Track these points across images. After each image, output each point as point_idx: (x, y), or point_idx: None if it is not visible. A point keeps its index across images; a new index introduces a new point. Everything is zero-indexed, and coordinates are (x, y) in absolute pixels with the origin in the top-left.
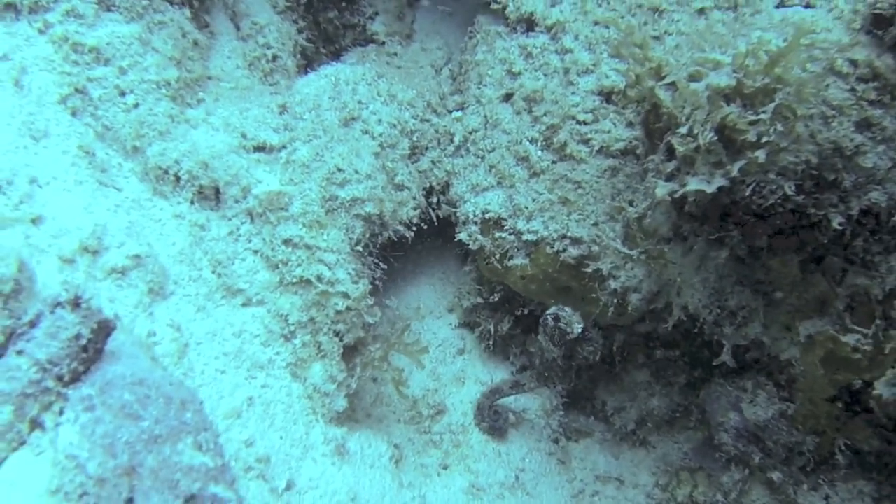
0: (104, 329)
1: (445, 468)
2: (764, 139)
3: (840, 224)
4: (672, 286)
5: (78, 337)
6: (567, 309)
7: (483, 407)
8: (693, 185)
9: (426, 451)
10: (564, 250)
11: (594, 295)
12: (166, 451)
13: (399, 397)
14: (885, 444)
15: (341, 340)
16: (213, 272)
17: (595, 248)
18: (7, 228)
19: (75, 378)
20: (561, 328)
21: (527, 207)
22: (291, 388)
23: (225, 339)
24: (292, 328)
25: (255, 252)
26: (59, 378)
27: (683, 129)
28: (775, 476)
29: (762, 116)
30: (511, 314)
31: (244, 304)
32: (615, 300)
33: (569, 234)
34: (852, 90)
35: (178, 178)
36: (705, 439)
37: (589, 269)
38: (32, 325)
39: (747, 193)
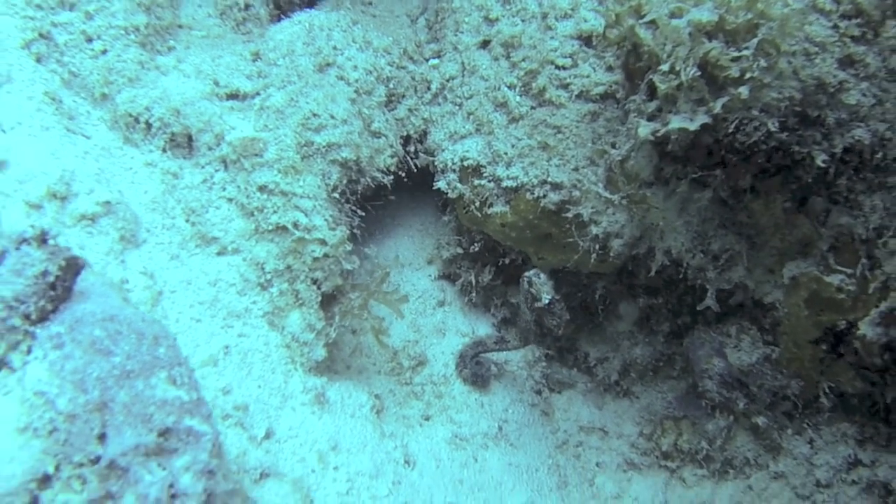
0: (73, 267)
1: (427, 419)
2: (747, 75)
3: (824, 162)
4: (654, 230)
5: (45, 274)
6: (542, 276)
7: (466, 356)
8: (676, 123)
9: (407, 402)
10: (545, 196)
11: (575, 241)
12: (139, 386)
13: (380, 347)
14: (869, 386)
15: (319, 289)
16: (187, 221)
17: (576, 194)
18: None
19: (43, 317)
20: (532, 293)
21: (506, 153)
22: (269, 338)
23: (200, 287)
24: (269, 276)
25: (230, 200)
26: (27, 316)
27: (665, 67)
28: (760, 421)
29: (745, 52)
30: (492, 264)
31: (219, 253)
32: (597, 246)
33: (549, 179)
34: (835, 27)
35: (149, 126)
36: (689, 388)
37: (570, 215)
38: None
39: (730, 131)
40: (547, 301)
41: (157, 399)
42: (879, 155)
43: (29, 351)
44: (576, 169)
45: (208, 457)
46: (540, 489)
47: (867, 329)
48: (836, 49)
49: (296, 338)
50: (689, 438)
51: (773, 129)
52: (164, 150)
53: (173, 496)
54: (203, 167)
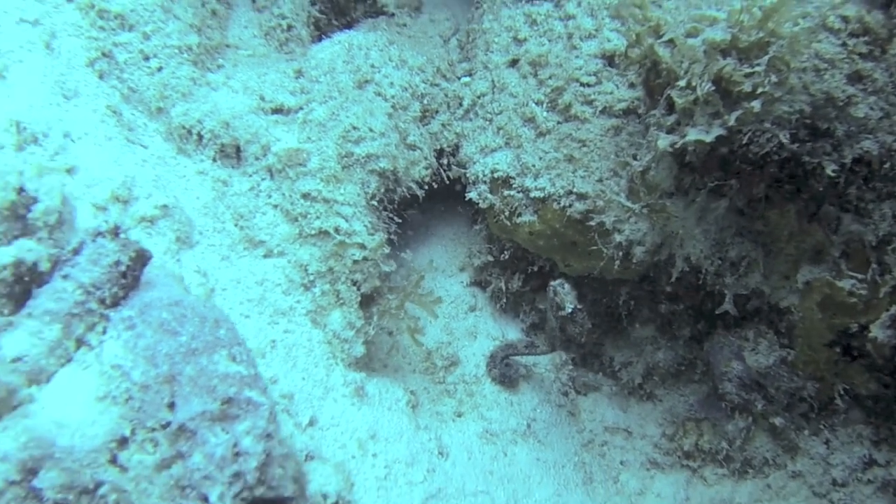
0: (141, 258)
1: (460, 415)
2: (759, 90)
3: (834, 171)
4: (675, 238)
5: (118, 263)
6: (566, 286)
7: (496, 357)
8: (692, 135)
9: (441, 399)
10: (570, 206)
11: (600, 248)
12: (203, 362)
13: (415, 346)
14: (882, 388)
15: (359, 289)
16: (236, 225)
17: (600, 203)
18: (45, 176)
19: (116, 302)
20: (557, 303)
21: (534, 166)
22: (312, 334)
23: (248, 286)
24: (312, 278)
25: (275, 206)
26: (102, 301)
27: (682, 83)
28: (777, 421)
29: (757, 69)
30: (521, 272)
31: (266, 256)
32: (620, 253)
33: (574, 190)
34: (843, 45)
35: (200, 137)
36: (710, 391)
37: (594, 224)
38: (76, 252)
39: (744, 142)
40: (570, 310)
41: (219, 373)
42: (887, 165)
43: (104, 331)
44: (600, 180)
45: (266, 423)
46: (566, 484)
47: (878, 332)
48: (845, 65)
49: (337, 335)
50: (710, 439)
51: (784, 140)
52: (214, 160)
53: (237, 454)
54: (250, 176)
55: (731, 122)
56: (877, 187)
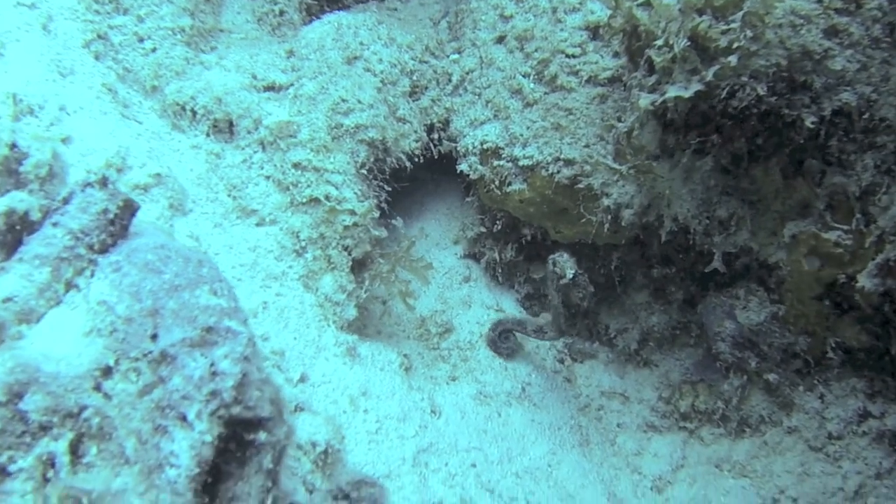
0: (129, 207)
1: (454, 379)
2: (735, 45)
3: (813, 123)
4: (662, 199)
5: (106, 211)
6: (564, 255)
7: (498, 328)
8: (672, 92)
9: (435, 364)
10: (559, 172)
11: (589, 214)
12: (185, 296)
13: (407, 310)
14: (874, 340)
15: (350, 254)
16: (229, 195)
17: (587, 168)
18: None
19: (104, 248)
20: (557, 273)
21: (522, 135)
22: (304, 298)
23: (241, 252)
24: (303, 244)
25: (268, 177)
26: (90, 247)
27: (660, 42)
28: (771, 377)
29: (732, 25)
30: (514, 241)
31: (258, 224)
32: (609, 217)
33: (562, 156)
34: (819, 1)
35: (194, 113)
36: (705, 353)
37: (582, 187)
38: (65, 202)
39: (723, 97)
40: (571, 275)
41: (200, 305)
42: (867, 116)
43: (92, 275)
44: (586, 146)
45: (243, 348)
46: (562, 444)
47: (865, 281)
48: (821, 21)
49: (329, 298)
50: (706, 399)
51: (762, 93)
52: (207, 135)
53: (214, 374)
54: (243, 149)
55: (710, 78)
56: (857, 139)
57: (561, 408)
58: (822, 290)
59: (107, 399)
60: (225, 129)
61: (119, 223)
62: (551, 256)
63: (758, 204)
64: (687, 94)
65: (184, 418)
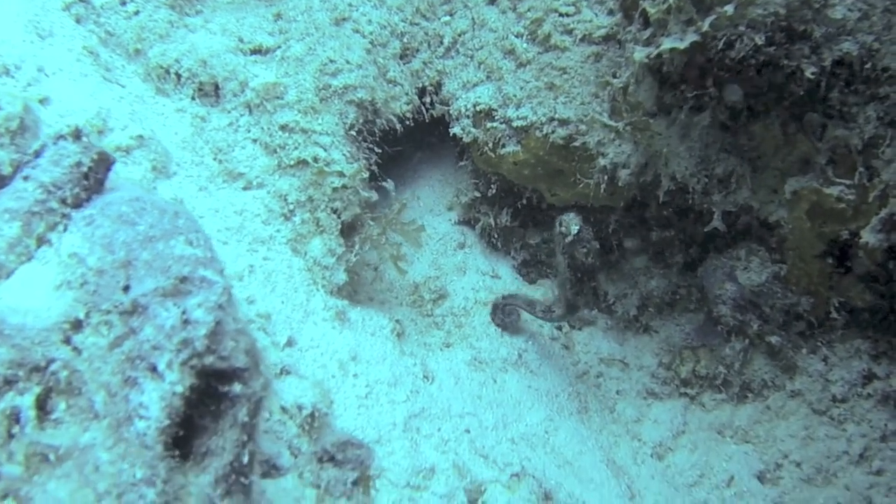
0: (104, 161)
1: (448, 346)
2: None
3: (813, 74)
4: (659, 158)
5: (79, 164)
6: (570, 214)
7: (500, 304)
8: (667, 44)
9: (429, 331)
10: (553, 132)
11: (585, 174)
12: (159, 247)
13: (399, 274)
14: (878, 299)
15: (339, 217)
16: (215, 159)
17: (582, 127)
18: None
19: (78, 203)
20: (562, 232)
21: (515, 96)
22: (292, 262)
23: (227, 215)
24: (291, 207)
25: (255, 140)
26: (63, 200)
27: None
28: (774, 339)
29: None
30: (509, 206)
31: (245, 188)
32: (605, 177)
33: (556, 116)
34: None
35: (178, 77)
36: (706, 318)
37: (577, 146)
38: (37, 154)
39: (720, 48)
40: (576, 230)
41: (175, 255)
42: (868, 66)
43: (65, 230)
44: (582, 104)
45: (218, 297)
46: (560, 411)
47: (869, 236)
48: None
49: (317, 261)
50: (707, 364)
51: (759, 42)
52: (192, 99)
53: (185, 321)
54: (229, 112)
55: (706, 28)
56: (859, 90)
57: (558, 375)
58: (824, 247)
59: (76, 353)
60: (211, 92)
61: (93, 177)
62: (559, 217)
63: (757, 161)
64: (682, 45)
65: (154, 369)
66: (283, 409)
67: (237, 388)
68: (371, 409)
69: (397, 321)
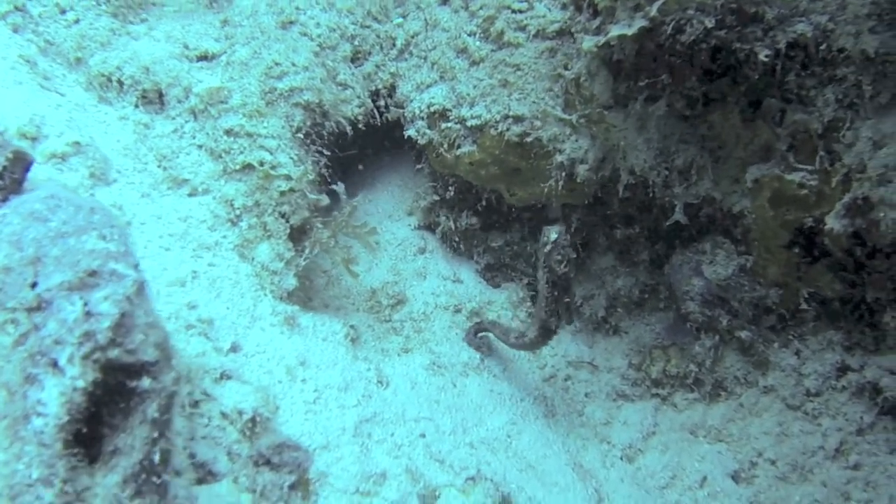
0: (21, 160)
1: (407, 351)
2: None
3: (767, 57)
4: (617, 151)
5: None
6: (556, 226)
7: (474, 330)
8: (615, 31)
9: (386, 337)
10: (508, 129)
11: (543, 172)
12: (71, 242)
13: (351, 277)
14: (848, 288)
15: (288, 221)
16: (159, 166)
17: (537, 123)
18: None
19: None
20: (543, 241)
21: (469, 95)
22: (239, 268)
23: (170, 222)
24: (238, 212)
25: (200, 146)
26: None
27: None
28: (744, 335)
29: None
30: (469, 208)
31: (190, 194)
32: (563, 174)
33: (511, 113)
34: None
35: (121, 84)
36: (676, 317)
37: (533, 143)
38: None
39: (670, 33)
40: (555, 237)
41: (86, 250)
42: (824, 47)
43: None
44: (536, 100)
45: (126, 290)
46: (524, 415)
47: (833, 222)
48: None
49: (265, 266)
50: (678, 363)
51: (710, 26)
52: (136, 106)
53: (88, 314)
54: (174, 118)
55: (654, 13)
56: (816, 72)
57: (524, 378)
58: (790, 236)
59: None
60: (155, 99)
61: (9, 176)
62: (544, 227)
63: (718, 151)
64: (630, 31)
65: (55, 364)
66: (224, 415)
67: (146, 382)
68: (319, 414)
69: (352, 326)
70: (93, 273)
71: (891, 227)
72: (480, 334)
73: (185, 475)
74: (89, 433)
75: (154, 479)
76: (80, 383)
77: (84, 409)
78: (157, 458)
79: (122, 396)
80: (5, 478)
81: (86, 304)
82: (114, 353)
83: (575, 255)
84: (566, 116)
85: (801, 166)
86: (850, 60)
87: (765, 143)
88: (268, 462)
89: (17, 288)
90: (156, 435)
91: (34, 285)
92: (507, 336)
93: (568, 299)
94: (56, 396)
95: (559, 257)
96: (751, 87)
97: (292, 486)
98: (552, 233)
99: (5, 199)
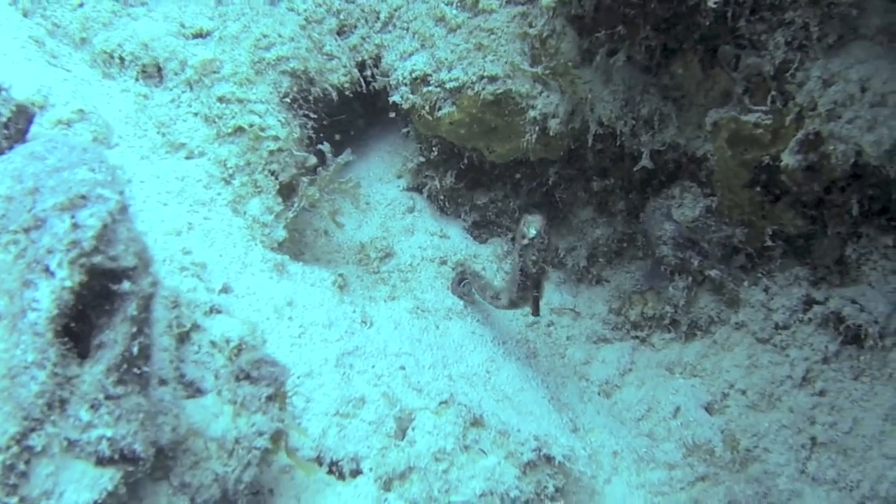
0: (24, 112)
1: (393, 299)
2: None
3: (716, 3)
4: (585, 104)
5: None
6: (538, 216)
7: (456, 279)
8: None
9: (374, 286)
10: (483, 89)
11: (518, 129)
12: (65, 175)
13: (336, 227)
14: (810, 224)
15: (277, 178)
16: (158, 132)
17: (509, 82)
18: None
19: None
20: (523, 231)
21: (447, 59)
22: (232, 221)
23: (168, 181)
24: (231, 171)
25: (195, 114)
26: None
27: None
28: (714, 273)
29: None
30: (452, 168)
31: (187, 157)
32: (537, 129)
33: (486, 73)
34: None
35: (122, 60)
36: (654, 264)
37: (507, 101)
38: None
39: None
40: (532, 235)
41: (77, 179)
42: None
43: None
44: (508, 62)
45: (109, 208)
46: (505, 355)
47: (788, 158)
48: None
49: (256, 219)
50: (654, 305)
51: None
52: (136, 80)
53: (75, 225)
54: (171, 90)
55: None
56: (765, 17)
57: (507, 325)
58: (750, 175)
59: None
60: (154, 73)
61: (13, 127)
62: (525, 214)
63: (682, 100)
64: None
65: (47, 269)
66: (213, 343)
67: (126, 285)
68: (304, 347)
69: (340, 275)
70: (82, 197)
71: (840, 160)
72: (463, 283)
73: (171, 385)
74: (79, 333)
75: (135, 369)
76: (68, 283)
77: (72, 306)
78: (135, 350)
79: (106, 300)
80: (4, 362)
81: (73, 219)
82: (97, 258)
83: (547, 263)
84: (532, 69)
85: (755, 108)
86: (797, 4)
87: (724, 90)
88: (248, 376)
89: (18, 214)
90: (135, 330)
91: (31, 210)
92: (485, 292)
93: (537, 294)
94: (48, 295)
95: (534, 258)
96: (706, 36)
97: (270, 398)
98: (531, 229)
99: (10, 148)
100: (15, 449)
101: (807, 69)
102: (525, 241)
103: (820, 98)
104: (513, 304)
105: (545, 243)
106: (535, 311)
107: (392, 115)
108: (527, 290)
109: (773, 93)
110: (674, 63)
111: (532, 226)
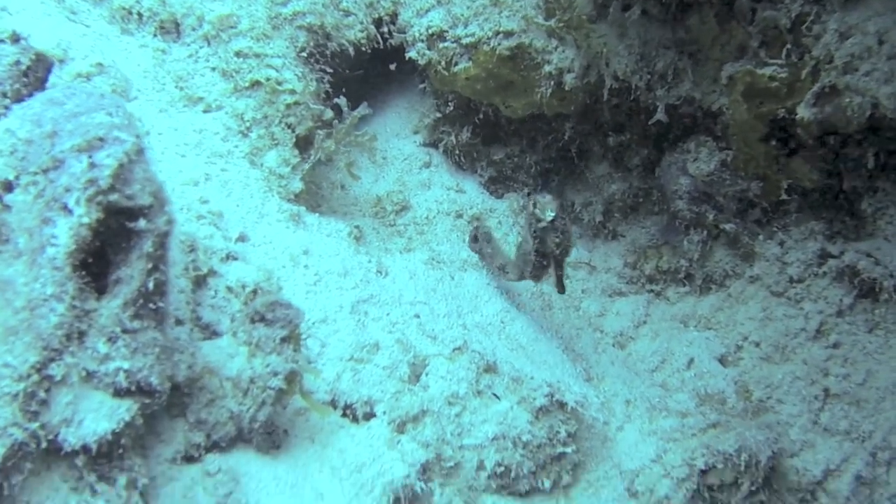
0: (43, 61)
1: (409, 251)
2: None
3: None
4: (600, 58)
5: (18, 63)
6: (548, 196)
7: (472, 236)
8: None
9: (390, 239)
10: (499, 44)
11: (534, 83)
12: (83, 119)
13: (352, 179)
14: (826, 178)
15: (293, 131)
16: (176, 86)
17: (524, 37)
18: None
19: (19, 98)
20: (536, 214)
21: (463, 15)
22: (249, 173)
23: (186, 133)
24: (248, 124)
25: (213, 69)
26: (3, 94)
27: None
28: (728, 227)
29: None
30: (468, 123)
31: (205, 111)
32: (552, 83)
33: (501, 29)
34: None
35: (140, 16)
36: (669, 218)
37: (523, 55)
38: None
39: None
40: (551, 217)
41: (94, 123)
42: None
43: (4, 117)
44: (524, 17)
45: (126, 149)
46: (521, 307)
47: (804, 111)
48: None
49: (273, 171)
50: (669, 259)
51: None
52: (155, 35)
53: (92, 164)
54: (189, 45)
55: None
56: None
57: None
58: (766, 129)
59: (7, 209)
60: (172, 29)
61: (33, 75)
62: (534, 196)
63: (698, 54)
64: None
65: (65, 207)
66: (229, 289)
67: (142, 223)
68: (319, 294)
69: (356, 227)
70: (100, 139)
71: (857, 112)
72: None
73: (188, 326)
74: (98, 272)
75: (151, 305)
76: (86, 220)
77: (89, 242)
78: (151, 285)
79: (123, 238)
80: (24, 295)
81: (91, 159)
82: (114, 196)
83: (571, 244)
84: (547, 23)
85: (771, 61)
86: None
87: (740, 44)
88: (263, 318)
89: (38, 156)
90: (150, 266)
91: (51, 152)
92: (492, 260)
93: (560, 272)
94: (66, 231)
95: (556, 240)
96: None
97: (284, 339)
98: (548, 211)
99: (30, 95)
100: (35, 377)
101: (823, 22)
102: (543, 224)
103: (836, 51)
104: (521, 278)
105: (565, 224)
106: (561, 289)
107: (410, 72)
108: (543, 269)
109: (789, 46)
110: (689, 17)
111: (548, 208)
